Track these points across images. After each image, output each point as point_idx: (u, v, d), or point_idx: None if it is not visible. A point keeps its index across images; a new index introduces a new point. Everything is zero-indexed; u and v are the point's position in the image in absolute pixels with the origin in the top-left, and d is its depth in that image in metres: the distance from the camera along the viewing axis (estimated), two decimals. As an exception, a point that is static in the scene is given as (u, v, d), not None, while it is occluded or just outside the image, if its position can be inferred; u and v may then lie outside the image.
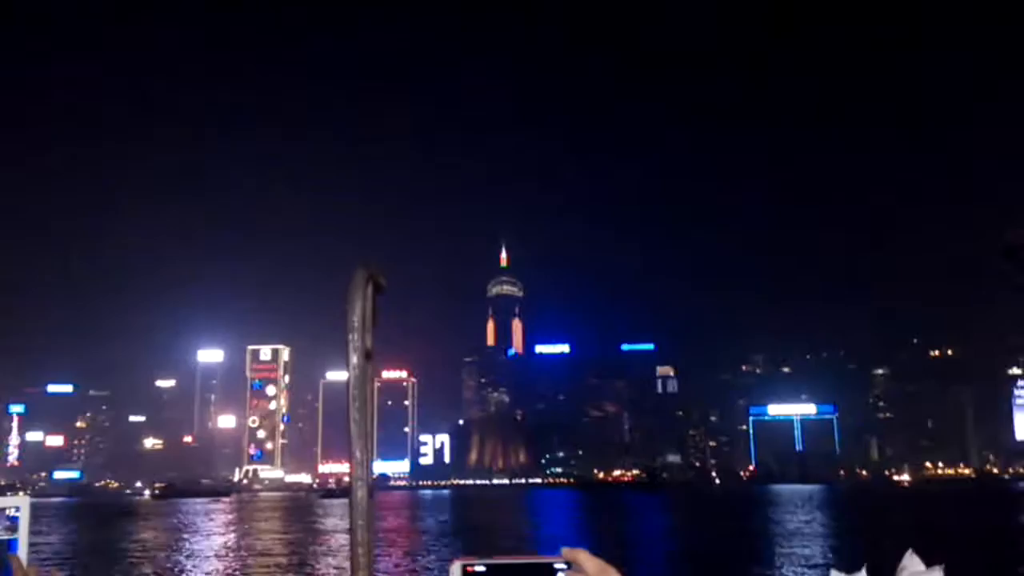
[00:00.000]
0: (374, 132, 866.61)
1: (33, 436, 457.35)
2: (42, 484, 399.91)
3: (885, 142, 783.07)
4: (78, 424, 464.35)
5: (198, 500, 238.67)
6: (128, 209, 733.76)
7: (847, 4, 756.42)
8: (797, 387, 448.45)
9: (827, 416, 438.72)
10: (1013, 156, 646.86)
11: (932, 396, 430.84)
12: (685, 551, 58.48)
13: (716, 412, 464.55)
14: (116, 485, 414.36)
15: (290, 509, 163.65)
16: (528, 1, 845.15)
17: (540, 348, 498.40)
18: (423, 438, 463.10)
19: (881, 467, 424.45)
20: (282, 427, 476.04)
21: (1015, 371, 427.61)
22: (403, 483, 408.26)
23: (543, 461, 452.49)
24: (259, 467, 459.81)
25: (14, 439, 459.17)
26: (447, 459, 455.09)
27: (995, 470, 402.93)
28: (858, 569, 2.52)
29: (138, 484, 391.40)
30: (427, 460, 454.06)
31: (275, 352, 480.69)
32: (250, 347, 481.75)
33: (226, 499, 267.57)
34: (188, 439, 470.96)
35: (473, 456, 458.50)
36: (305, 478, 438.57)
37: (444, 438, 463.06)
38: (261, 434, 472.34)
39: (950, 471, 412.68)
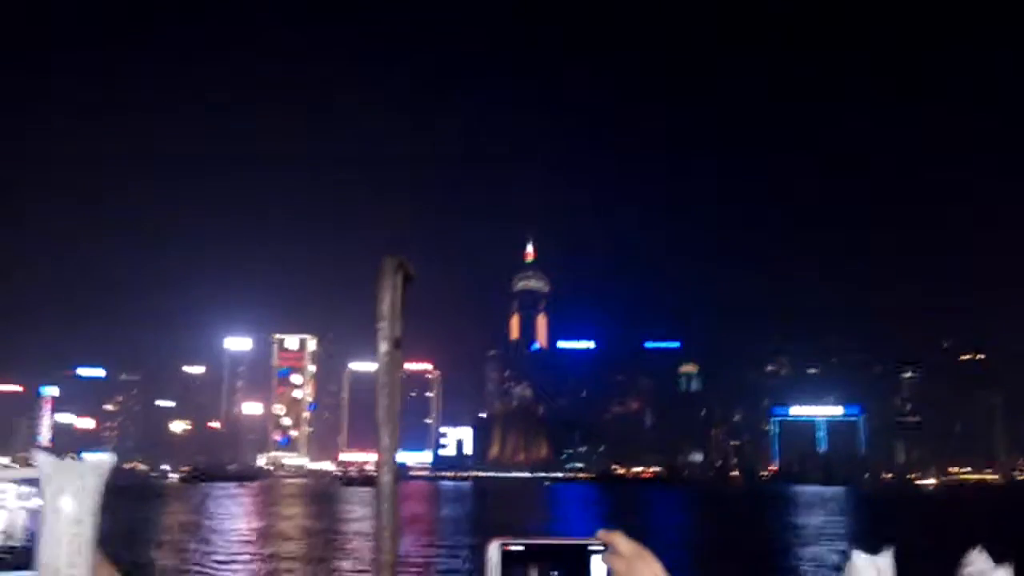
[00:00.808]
0: (403, 124, 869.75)
1: (64, 418, 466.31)
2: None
3: (927, 152, 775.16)
4: (108, 407, 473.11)
5: (224, 484, 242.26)
6: (162, 195, 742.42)
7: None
8: (823, 388, 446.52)
9: (853, 418, 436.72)
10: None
11: (960, 400, 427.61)
12: (702, 547, 59.63)
13: (739, 411, 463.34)
14: (144, 468, 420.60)
15: (313, 495, 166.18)
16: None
17: (564, 343, 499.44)
18: (445, 430, 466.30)
19: (906, 470, 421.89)
20: (307, 415, 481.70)
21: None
22: (424, 473, 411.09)
23: (564, 455, 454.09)
24: (283, 454, 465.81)
25: (46, 420, 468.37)
26: (468, 451, 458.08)
27: (1022, 476, 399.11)
28: (882, 551, 2.52)
29: (166, 467, 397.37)
30: (448, 451, 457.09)
31: (302, 341, 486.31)
32: (277, 336, 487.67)
33: (251, 484, 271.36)
34: (215, 424, 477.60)
35: (494, 449, 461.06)
36: (328, 466, 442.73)
37: (466, 430, 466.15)
38: (286, 421, 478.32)
39: (976, 476, 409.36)
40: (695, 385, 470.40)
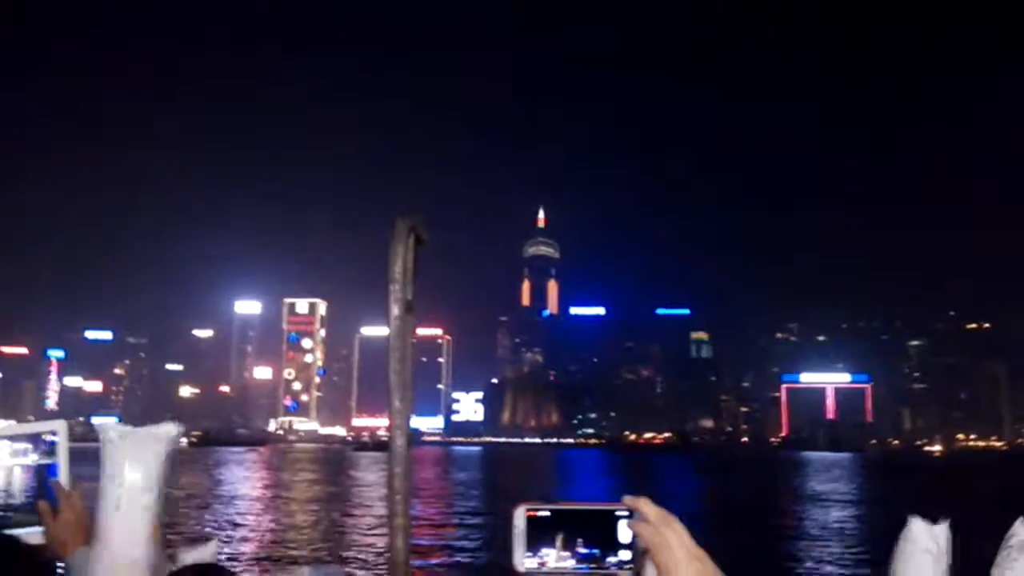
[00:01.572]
0: (414, 89, 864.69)
1: (71, 381, 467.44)
2: (80, 429, 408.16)
3: (925, 113, 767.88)
4: (116, 371, 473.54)
5: (234, 449, 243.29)
6: (168, 157, 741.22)
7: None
8: (831, 356, 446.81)
9: (860, 385, 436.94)
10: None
11: (966, 368, 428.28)
12: (713, 510, 59.14)
13: (749, 378, 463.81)
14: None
15: (324, 460, 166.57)
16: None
17: (575, 310, 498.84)
18: (456, 395, 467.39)
19: (913, 437, 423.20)
20: (317, 380, 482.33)
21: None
22: (436, 439, 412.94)
23: (575, 422, 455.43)
24: (294, 419, 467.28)
25: (53, 384, 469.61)
26: (480, 417, 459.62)
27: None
28: (940, 522, 2.51)
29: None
30: (460, 417, 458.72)
31: (312, 305, 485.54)
32: (287, 300, 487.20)
33: (261, 449, 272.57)
34: (225, 389, 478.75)
35: (505, 415, 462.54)
36: (339, 431, 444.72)
37: (477, 396, 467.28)
38: (297, 386, 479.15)
39: (982, 443, 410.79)
40: (705, 352, 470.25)
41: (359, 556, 35.96)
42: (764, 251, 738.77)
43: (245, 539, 41.90)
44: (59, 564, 2.71)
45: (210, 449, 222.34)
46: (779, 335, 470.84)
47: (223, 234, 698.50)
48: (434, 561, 34.89)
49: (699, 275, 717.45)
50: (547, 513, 2.14)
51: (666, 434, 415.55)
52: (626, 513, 2.14)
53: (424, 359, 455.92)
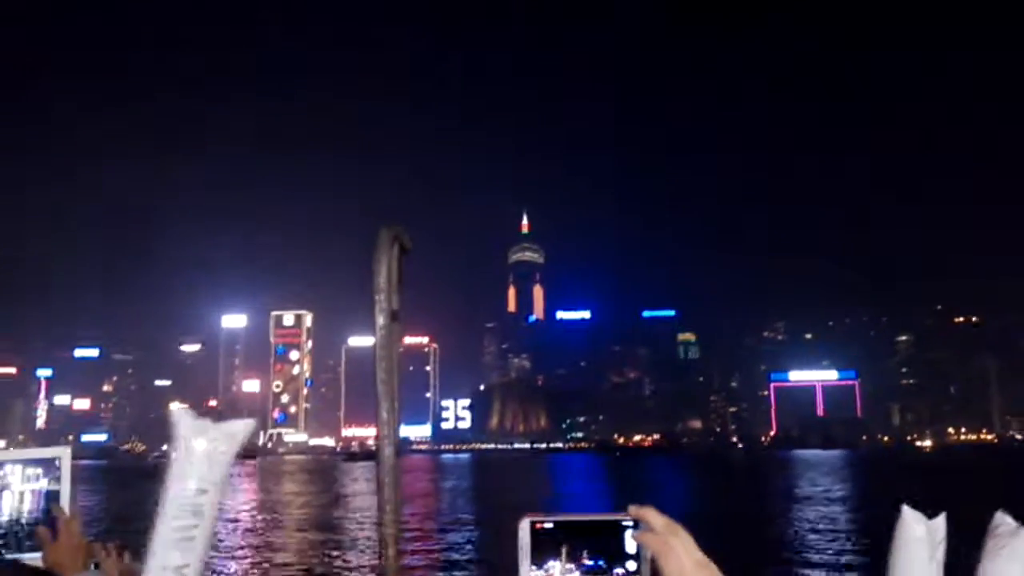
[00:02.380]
0: (397, 97, 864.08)
1: (60, 400, 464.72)
2: (73, 447, 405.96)
3: (913, 113, 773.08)
4: (104, 388, 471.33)
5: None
6: (152, 172, 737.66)
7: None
8: (819, 353, 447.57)
9: (849, 382, 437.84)
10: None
11: (955, 362, 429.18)
12: (706, 513, 58.87)
13: (737, 378, 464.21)
14: (143, 448, 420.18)
15: (314, 471, 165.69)
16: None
17: (561, 314, 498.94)
18: (444, 403, 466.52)
19: (903, 433, 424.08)
20: (305, 391, 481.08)
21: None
22: (424, 447, 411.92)
23: (564, 426, 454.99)
24: (283, 430, 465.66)
25: (42, 403, 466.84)
26: (468, 424, 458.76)
27: (1018, 436, 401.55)
28: (936, 514, 2.52)
29: (164, 447, 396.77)
30: (448, 425, 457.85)
31: (298, 318, 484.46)
32: (274, 312, 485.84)
33: (251, 461, 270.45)
34: (213, 403, 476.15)
35: (494, 421, 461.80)
36: (328, 441, 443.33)
37: (465, 403, 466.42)
38: (285, 398, 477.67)
39: (972, 437, 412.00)
40: (693, 353, 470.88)
41: (348, 567, 35.54)
42: (748, 250, 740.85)
43: (235, 556, 41.37)
44: None
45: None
46: (766, 334, 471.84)
47: (208, 247, 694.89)
48: (427, 572, 34.47)
49: (685, 276, 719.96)
50: (551, 525, 2.10)
51: (655, 436, 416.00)
52: (631, 523, 2.10)
53: (411, 367, 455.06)
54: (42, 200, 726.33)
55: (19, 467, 2.86)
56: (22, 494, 2.82)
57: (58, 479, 2.89)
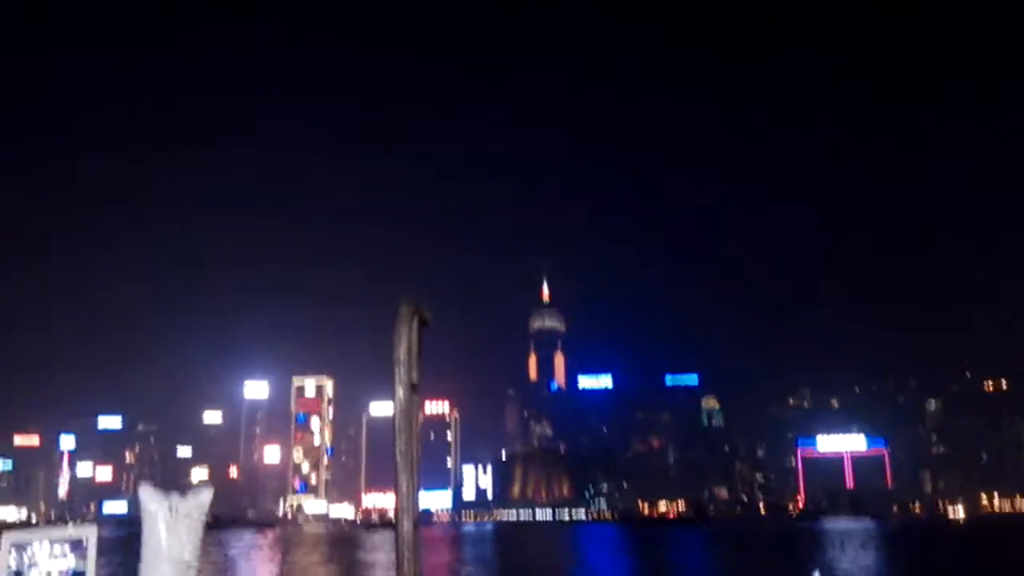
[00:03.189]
0: (417, 162, 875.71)
1: (82, 468, 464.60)
2: (91, 517, 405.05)
3: (934, 164, 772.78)
4: (126, 458, 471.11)
5: (244, 532, 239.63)
6: (174, 239, 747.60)
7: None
8: (846, 420, 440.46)
9: (878, 451, 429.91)
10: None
11: (986, 429, 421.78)
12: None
13: (763, 445, 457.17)
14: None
15: (334, 541, 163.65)
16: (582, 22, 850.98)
17: (583, 381, 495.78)
18: (465, 470, 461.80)
19: (934, 501, 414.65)
20: (326, 460, 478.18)
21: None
22: (445, 518, 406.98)
23: (587, 494, 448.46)
24: (303, 499, 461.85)
25: (65, 472, 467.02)
26: (489, 493, 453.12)
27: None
28: None
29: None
30: (469, 494, 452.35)
31: (319, 388, 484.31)
32: (295, 382, 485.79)
33: (271, 531, 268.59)
34: (234, 472, 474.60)
35: (516, 489, 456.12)
36: (348, 510, 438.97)
37: (486, 471, 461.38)
38: (305, 468, 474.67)
39: (1007, 507, 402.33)
40: (717, 420, 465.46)
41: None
42: (772, 315, 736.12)
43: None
44: None
45: (221, 533, 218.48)
46: (791, 400, 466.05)
47: (230, 315, 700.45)
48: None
49: (707, 342, 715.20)
50: None
51: (681, 505, 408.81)
52: None
53: (432, 435, 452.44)
54: (63, 267, 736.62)
55: (46, 545, 2.88)
56: (49, 574, 2.82)
57: (84, 557, 2.92)
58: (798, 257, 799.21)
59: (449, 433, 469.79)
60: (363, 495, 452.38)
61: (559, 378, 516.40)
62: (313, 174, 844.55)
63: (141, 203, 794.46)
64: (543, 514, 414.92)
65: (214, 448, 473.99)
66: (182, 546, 2.47)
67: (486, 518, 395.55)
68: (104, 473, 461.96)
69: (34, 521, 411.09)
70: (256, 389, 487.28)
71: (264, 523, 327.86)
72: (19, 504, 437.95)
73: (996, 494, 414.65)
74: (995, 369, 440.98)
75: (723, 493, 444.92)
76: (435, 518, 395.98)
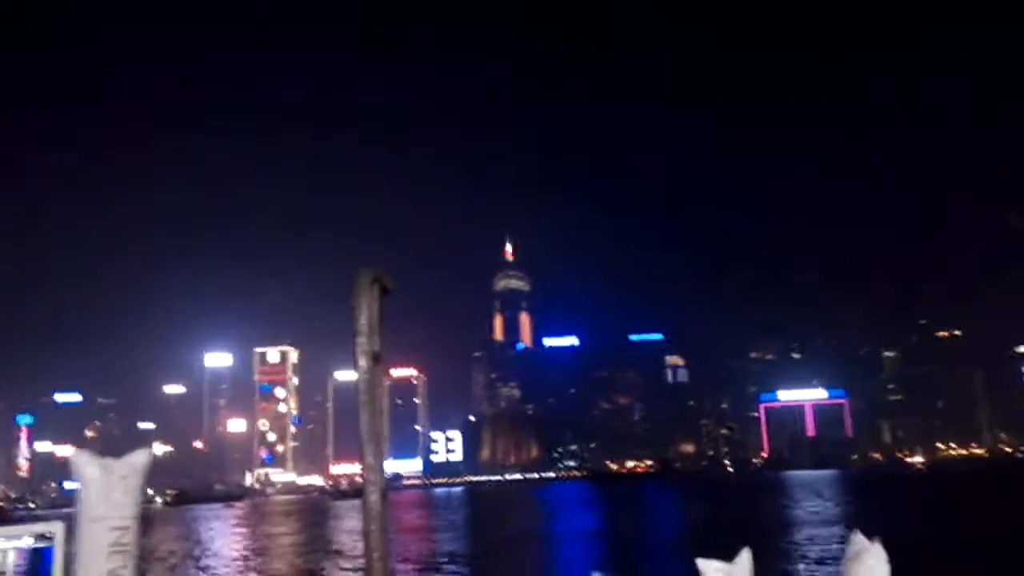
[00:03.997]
0: (377, 130, 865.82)
1: (42, 446, 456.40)
2: (53, 495, 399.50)
3: (893, 133, 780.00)
4: (87, 433, 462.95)
5: (211, 506, 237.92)
6: (133, 215, 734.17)
7: None
8: (807, 372, 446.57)
9: (838, 401, 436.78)
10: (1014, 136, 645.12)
11: (942, 377, 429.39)
12: (699, 539, 57.31)
13: (727, 400, 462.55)
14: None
15: (303, 512, 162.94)
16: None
17: (548, 341, 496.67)
18: (434, 435, 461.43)
19: (894, 450, 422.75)
20: (292, 429, 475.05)
21: (1023, 349, 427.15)
22: (416, 482, 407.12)
23: (556, 454, 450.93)
24: (270, 470, 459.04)
25: (23, 450, 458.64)
26: (459, 456, 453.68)
27: (1008, 448, 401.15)
28: (873, 538, 2.72)
29: (150, 492, 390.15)
30: (439, 457, 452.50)
31: (283, 354, 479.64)
32: (257, 350, 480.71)
33: (239, 503, 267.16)
34: (198, 445, 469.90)
35: (485, 452, 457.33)
36: (317, 480, 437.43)
37: (455, 435, 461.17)
38: (271, 437, 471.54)
39: (963, 451, 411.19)
40: (682, 376, 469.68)
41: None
42: (734, 271, 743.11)
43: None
44: None
45: (187, 507, 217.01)
46: (753, 355, 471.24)
47: (189, 286, 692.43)
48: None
49: (670, 299, 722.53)
50: None
51: (648, 461, 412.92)
52: None
53: (399, 401, 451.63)
54: (24, 248, 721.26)
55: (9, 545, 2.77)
56: (6, 552, 2.84)
57: (48, 537, 2.93)
58: (758, 216, 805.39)
59: (417, 398, 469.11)
60: (331, 463, 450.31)
61: (525, 338, 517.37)
62: (270, 141, 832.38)
63: (97, 178, 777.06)
64: (513, 476, 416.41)
65: (177, 421, 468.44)
66: (118, 508, 2.44)
67: (456, 481, 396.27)
68: (65, 451, 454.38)
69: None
70: (218, 359, 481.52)
71: (232, 496, 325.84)
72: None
73: (952, 441, 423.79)
74: (949, 319, 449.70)
75: (689, 448, 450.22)
76: (405, 482, 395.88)
